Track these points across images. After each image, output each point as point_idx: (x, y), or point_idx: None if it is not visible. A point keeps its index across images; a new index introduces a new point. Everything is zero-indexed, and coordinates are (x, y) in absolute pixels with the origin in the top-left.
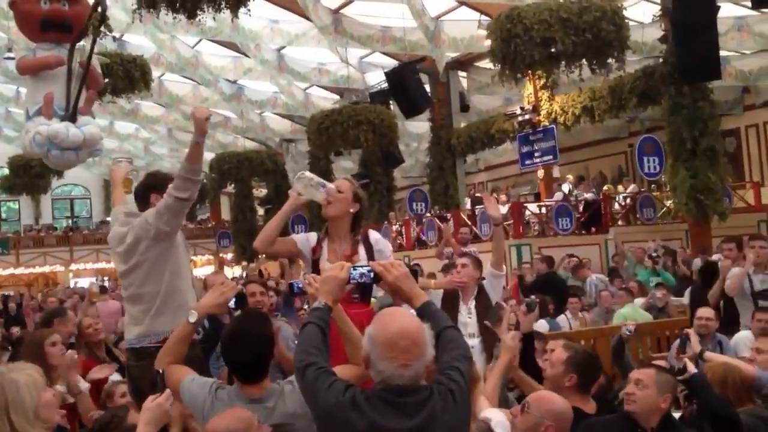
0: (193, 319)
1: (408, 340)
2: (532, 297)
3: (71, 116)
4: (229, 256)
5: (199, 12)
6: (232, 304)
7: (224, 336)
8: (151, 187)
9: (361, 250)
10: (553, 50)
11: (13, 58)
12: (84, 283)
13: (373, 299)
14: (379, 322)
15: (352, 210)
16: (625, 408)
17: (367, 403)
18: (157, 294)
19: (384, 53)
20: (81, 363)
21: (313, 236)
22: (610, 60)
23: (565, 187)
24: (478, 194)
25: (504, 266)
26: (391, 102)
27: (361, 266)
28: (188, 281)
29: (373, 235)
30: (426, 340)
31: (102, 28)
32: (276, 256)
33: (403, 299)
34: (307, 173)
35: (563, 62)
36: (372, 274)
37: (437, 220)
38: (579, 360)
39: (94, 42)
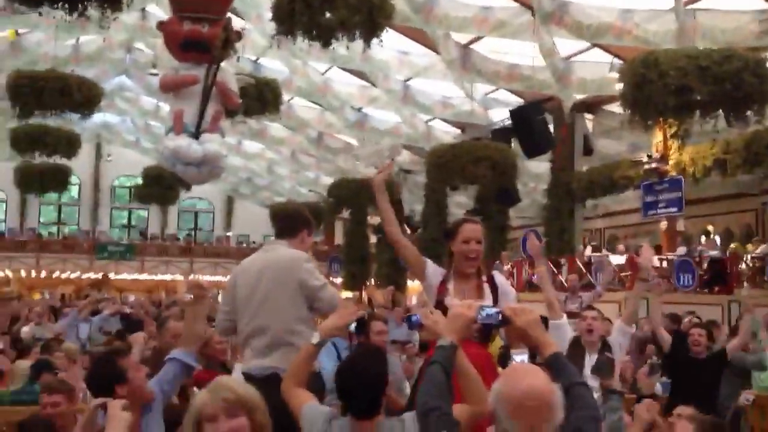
0: (316, 340)
1: (537, 401)
2: (654, 358)
3: (195, 133)
4: (339, 280)
5: (333, 40)
6: (352, 327)
7: (340, 371)
8: (306, 222)
9: (487, 291)
10: (688, 99)
11: (155, 74)
12: None
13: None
14: (509, 377)
15: None
16: None
17: None
18: (291, 332)
19: (509, 90)
20: (197, 374)
21: (440, 271)
22: (748, 113)
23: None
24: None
25: (634, 324)
26: (512, 139)
27: (489, 307)
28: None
29: (499, 278)
30: (556, 402)
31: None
32: (402, 255)
33: (531, 346)
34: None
35: (698, 112)
36: (500, 316)
37: (550, 264)
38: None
39: (218, 62)
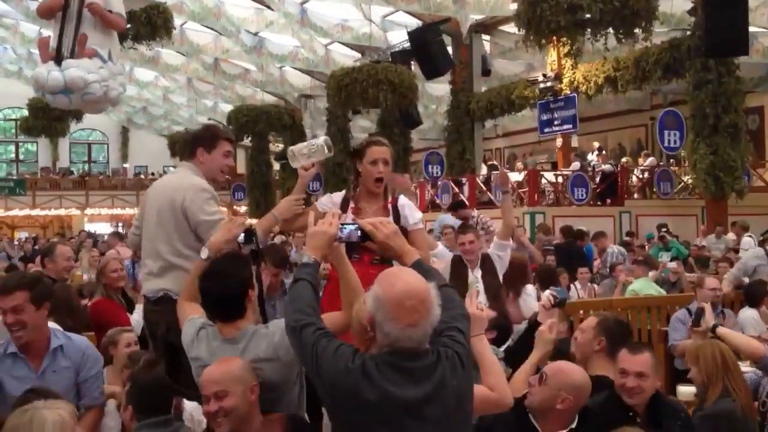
0: (204, 255)
1: (415, 299)
2: (557, 290)
3: (56, 59)
4: (243, 209)
5: None
6: (241, 239)
7: (201, 276)
8: (199, 139)
9: (391, 212)
10: (579, 17)
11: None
12: (98, 228)
13: None
14: (384, 281)
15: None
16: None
17: (377, 370)
18: (179, 254)
19: (407, 12)
20: (96, 303)
21: (336, 196)
22: (636, 30)
23: (590, 156)
24: (493, 162)
25: (511, 238)
26: (412, 62)
27: (349, 224)
28: None
29: (403, 201)
30: (433, 299)
31: None
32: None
33: (394, 257)
34: (293, 148)
35: (589, 30)
36: (359, 232)
37: (452, 184)
38: (609, 325)
39: None
